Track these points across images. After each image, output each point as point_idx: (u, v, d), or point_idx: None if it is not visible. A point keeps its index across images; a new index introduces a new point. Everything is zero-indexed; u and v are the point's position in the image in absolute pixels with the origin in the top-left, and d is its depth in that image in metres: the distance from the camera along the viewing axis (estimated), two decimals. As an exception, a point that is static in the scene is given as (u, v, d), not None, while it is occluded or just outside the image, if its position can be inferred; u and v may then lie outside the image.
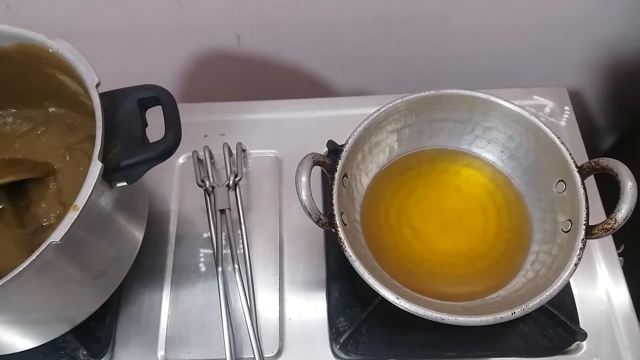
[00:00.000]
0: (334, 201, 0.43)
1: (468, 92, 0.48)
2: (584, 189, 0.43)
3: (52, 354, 0.49)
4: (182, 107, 0.44)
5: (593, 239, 0.42)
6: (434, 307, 0.39)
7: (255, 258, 0.55)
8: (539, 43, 0.71)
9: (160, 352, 0.51)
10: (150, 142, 0.42)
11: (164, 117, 0.43)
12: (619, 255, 0.54)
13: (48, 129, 0.51)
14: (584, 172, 0.44)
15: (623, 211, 0.41)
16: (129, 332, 0.51)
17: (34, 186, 0.48)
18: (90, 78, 0.41)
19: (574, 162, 0.45)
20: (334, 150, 0.55)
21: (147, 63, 0.72)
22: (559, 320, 0.48)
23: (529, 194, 0.50)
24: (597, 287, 0.53)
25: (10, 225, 0.47)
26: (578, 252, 0.41)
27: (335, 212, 0.43)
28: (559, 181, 0.46)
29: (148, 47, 0.69)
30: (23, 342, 0.45)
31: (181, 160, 0.61)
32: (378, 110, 0.48)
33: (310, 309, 0.52)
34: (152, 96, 0.43)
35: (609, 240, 0.55)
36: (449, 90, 0.48)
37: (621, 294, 0.52)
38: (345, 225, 0.44)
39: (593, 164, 0.44)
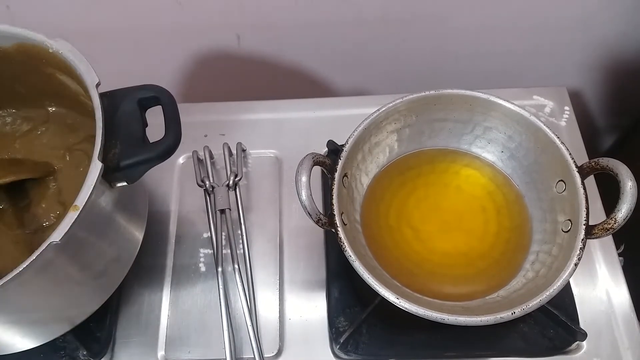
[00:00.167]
0: (334, 201, 0.43)
1: (468, 92, 0.48)
2: (584, 189, 0.43)
3: (52, 354, 0.49)
4: (182, 107, 0.44)
5: (593, 239, 0.42)
6: (434, 307, 0.39)
7: (255, 258, 0.55)
8: (539, 43, 0.71)
9: (160, 352, 0.51)
10: (150, 142, 0.42)
11: (164, 117, 0.43)
12: (619, 255, 0.54)
13: (48, 129, 0.51)
14: (584, 172, 0.44)
15: (623, 211, 0.41)
16: (129, 332, 0.51)
17: (34, 186, 0.48)
18: (90, 78, 0.41)
19: (574, 162, 0.45)
20: (334, 150, 0.55)
21: (147, 63, 0.72)
22: (559, 320, 0.48)
23: (529, 194, 0.50)
24: (597, 287, 0.53)
25: (10, 226, 0.47)
26: (578, 252, 0.41)
27: (335, 212, 0.43)
28: (559, 181, 0.46)
29: (148, 47, 0.69)
30: (23, 342, 0.45)
31: (181, 160, 0.61)
32: (378, 110, 0.48)
33: (310, 309, 0.52)
34: (152, 96, 0.43)
35: (609, 240, 0.55)
36: (449, 90, 0.48)
37: (621, 294, 0.52)
38: (345, 225, 0.44)
39: (593, 164, 0.44)
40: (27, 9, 0.61)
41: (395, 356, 0.49)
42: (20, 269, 0.34)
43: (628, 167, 0.41)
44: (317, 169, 0.45)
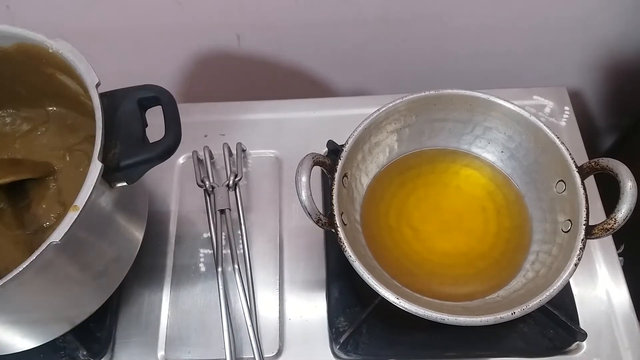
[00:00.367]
0: (334, 201, 0.43)
1: (468, 92, 0.48)
2: (584, 189, 0.43)
3: (52, 354, 0.49)
4: (182, 107, 0.44)
5: (593, 239, 0.42)
6: (434, 307, 0.39)
7: (255, 258, 0.55)
8: (539, 43, 0.71)
9: (160, 352, 0.51)
10: (150, 142, 0.42)
11: (164, 117, 0.43)
12: (619, 255, 0.54)
13: (48, 129, 0.51)
14: (584, 172, 0.44)
15: (623, 211, 0.41)
16: (129, 332, 0.51)
17: (34, 186, 0.48)
18: (90, 78, 0.41)
19: (574, 162, 0.45)
20: (334, 150, 0.55)
21: (147, 63, 0.72)
22: (559, 320, 0.48)
23: (529, 194, 0.50)
24: (597, 287, 0.53)
25: (10, 226, 0.47)
26: (578, 252, 0.41)
27: (335, 212, 0.43)
28: (559, 181, 0.46)
29: (148, 47, 0.69)
30: (23, 342, 0.45)
31: (181, 160, 0.61)
32: (378, 110, 0.48)
33: (310, 309, 0.52)
34: (152, 96, 0.43)
35: (609, 240, 0.55)
36: (449, 90, 0.48)
37: (621, 294, 0.52)
38: (345, 225, 0.44)
39: (593, 164, 0.44)
40: (27, 9, 0.61)
41: (395, 356, 0.49)
42: (20, 269, 0.34)
43: (628, 167, 0.41)
44: (317, 169, 0.45)
